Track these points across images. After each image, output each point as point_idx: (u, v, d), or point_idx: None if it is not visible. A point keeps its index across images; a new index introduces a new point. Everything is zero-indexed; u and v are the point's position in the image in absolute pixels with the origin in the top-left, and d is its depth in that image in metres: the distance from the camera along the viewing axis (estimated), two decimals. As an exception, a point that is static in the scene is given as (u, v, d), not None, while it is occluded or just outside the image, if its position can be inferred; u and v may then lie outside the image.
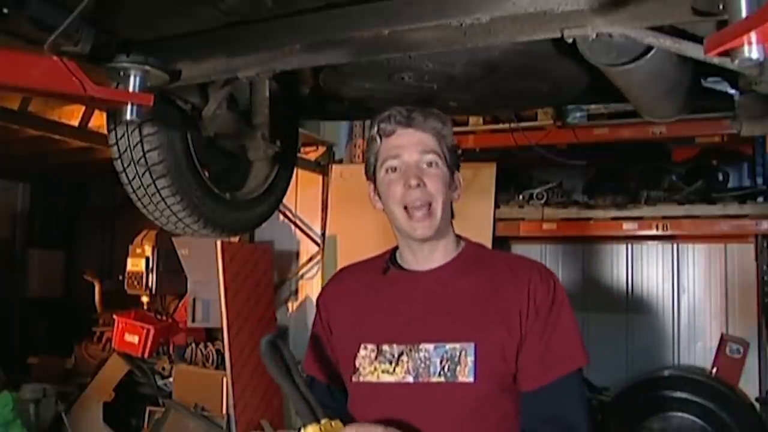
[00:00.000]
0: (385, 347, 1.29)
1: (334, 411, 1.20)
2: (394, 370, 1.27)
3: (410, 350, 1.27)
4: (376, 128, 1.35)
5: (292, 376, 1.17)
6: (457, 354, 1.23)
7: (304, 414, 1.15)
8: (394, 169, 1.31)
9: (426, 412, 1.23)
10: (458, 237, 1.40)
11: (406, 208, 1.29)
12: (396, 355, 1.27)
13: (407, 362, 1.26)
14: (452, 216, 1.39)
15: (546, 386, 1.21)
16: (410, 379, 1.25)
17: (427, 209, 1.28)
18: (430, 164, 1.30)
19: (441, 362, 1.24)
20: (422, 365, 1.25)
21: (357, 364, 1.31)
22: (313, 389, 1.28)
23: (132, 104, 1.48)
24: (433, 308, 1.30)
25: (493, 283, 1.28)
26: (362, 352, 1.31)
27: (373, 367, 1.29)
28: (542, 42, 1.30)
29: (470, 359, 1.22)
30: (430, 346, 1.25)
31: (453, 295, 1.30)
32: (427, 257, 1.34)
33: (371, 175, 1.38)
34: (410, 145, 1.30)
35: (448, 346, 1.24)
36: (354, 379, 1.31)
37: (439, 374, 1.23)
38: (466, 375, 1.22)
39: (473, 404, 1.22)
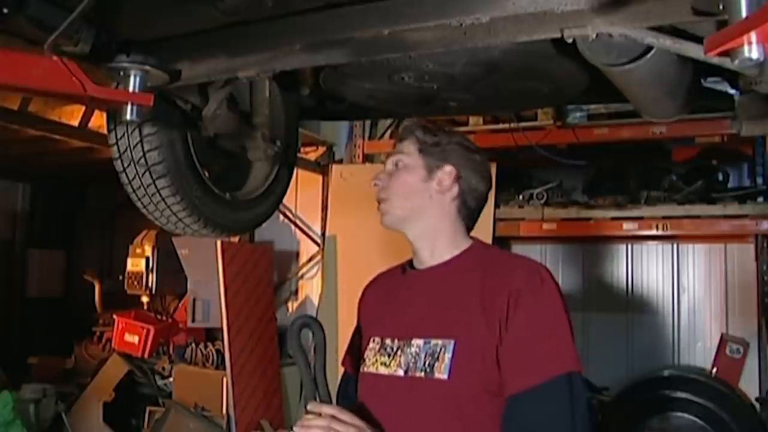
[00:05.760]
0: (388, 341, 1.34)
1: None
2: (389, 363, 1.31)
3: (404, 345, 1.31)
4: None
5: (313, 360, 1.24)
6: (438, 350, 1.25)
7: (308, 396, 1.21)
8: None
9: (410, 406, 1.26)
10: (470, 237, 1.42)
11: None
12: (394, 349, 1.32)
13: (400, 356, 1.30)
14: (463, 212, 1.40)
15: (528, 390, 1.15)
16: (401, 372, 1.28)
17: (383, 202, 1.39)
18: (396, 164, 1.40)
19: (424, 357, 1.26)
20: (412, 360, 1.27)
21: (365, 356, 1.38)
22: (349, 385, 1.43)
23: (132, 104, 1.48)
24: (429, 305, 1.33)
25: (483, 283, 1.27)
26: (371, 344, 1.38)
27: (375, 359, 1.34)
28: (542, 42, 1.30)
29: (448, 356, 1.22)
30: (420, 342, 1.28)
31: (447, 293, 1.32)
32: (427, 256, 1.38)
33: None
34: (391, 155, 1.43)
35: (433, 341, 1.26)
36: (361, 369, 1.38)
37: (422, 369, 1.25)
38: (441, 371, 1.22)
39: (447, 401, 1.22)
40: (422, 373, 1.24)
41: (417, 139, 1.40)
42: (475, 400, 1.21)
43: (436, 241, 1.37)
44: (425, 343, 1.27)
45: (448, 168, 1.38)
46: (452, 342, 1.23)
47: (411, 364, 1.27)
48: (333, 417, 1.15)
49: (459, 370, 1.21)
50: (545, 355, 1.18)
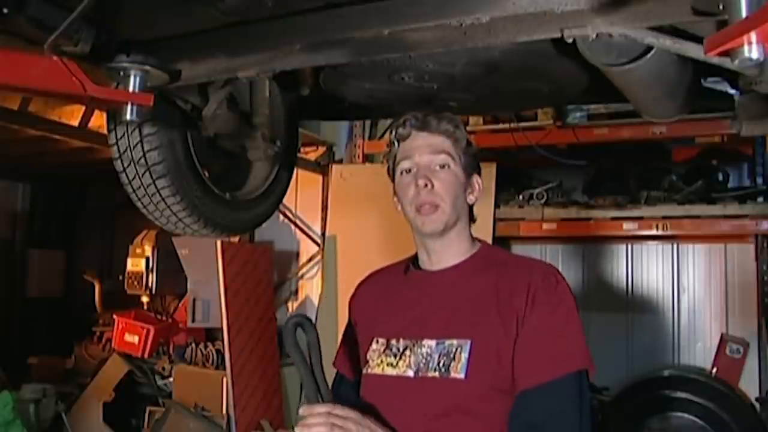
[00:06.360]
0: (393, 342, 1.33)
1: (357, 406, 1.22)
2: (397, 363, 1.30)
3: (413, 345, 1.30)
4: (393, 133, 1.41)
5: (309, 358, 1.21)
6: (453, 350, 1.24)
7: (310, 394, 1.19)
8: (408, 171, 1.36)
9: (421, 406, 1.25)
10: (476, 239, 1.42)
11: (419, 208, 1.33)
12: (401, 350, 1.31)
13: (410, 357, 1.29)
14: (473, 220, 1.43)
15: (539, 386, 1.18)
16: (410, 373, 1.27)
17: (434, 207, 1.32)
18: (442, 166, 1.34)
19: (438, 358, 1.25)
20: (422, 360, 1.27)
21: (368, 357, 1.36)
22: (342, 386, 1.41)
23: (132, 104, 1.48)
24: (439, 306, 1.33)
25: (497, 285, 1.29)
26: (374, 345, 1.37)
27: (380, 360, 1.33)
28: (542, 42, 1.30)
29: (464, 356, 1.23)
30: (432, 342, 1.28)
31: (459, 294, 1.32)
32: (440, 257, 1.37)
33: (392, 178, 1.43)
34: (423, 147, 1.35)
35: (447, 342, 1.26)
36: (364, 371, 1.36)
37: (435, 369, 1.25)
38: (458, 371, 1.22)
39: (463, 401, 1.22)
40: (436, 373, 1.24)
41: (456, 140, 1.36)
42: (490, 399, 1.22)
43: (454, 245, 1.37)
44: (438, 344, 1.26)
45: (477, 177, 1.41)
46: (468, 342, 1.24)
47: (422, 365, 1.26)
48: (328, 413, 1.14)
49: (476, 370, 1.21)
50: (556, 353, 1.20)
